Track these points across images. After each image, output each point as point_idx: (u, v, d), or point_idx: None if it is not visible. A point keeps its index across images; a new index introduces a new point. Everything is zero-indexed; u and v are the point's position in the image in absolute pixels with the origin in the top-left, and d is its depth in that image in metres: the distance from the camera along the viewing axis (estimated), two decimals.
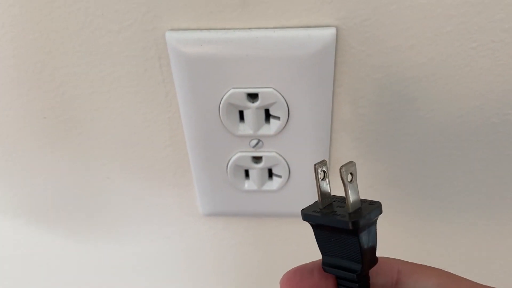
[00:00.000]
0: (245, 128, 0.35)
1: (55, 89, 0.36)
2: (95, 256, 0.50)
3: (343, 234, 0.23)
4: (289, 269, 0.24)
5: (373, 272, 0.24)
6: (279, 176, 0.39)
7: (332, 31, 0.31)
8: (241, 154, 0.37)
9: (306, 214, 0.24)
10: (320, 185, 0.24)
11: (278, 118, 0.35)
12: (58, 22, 0.33)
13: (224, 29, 0.32)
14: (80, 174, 0.42)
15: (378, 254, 0.24)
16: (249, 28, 0.31)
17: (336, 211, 0.23)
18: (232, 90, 0.33)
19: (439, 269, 0.23)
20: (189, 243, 0.47)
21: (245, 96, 0.33)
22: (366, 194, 0.41)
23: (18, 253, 0.51)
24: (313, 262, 0.24)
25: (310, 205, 0.25)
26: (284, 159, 0.37)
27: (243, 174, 0.39)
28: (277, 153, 0.37)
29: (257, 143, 0.36)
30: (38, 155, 0.41)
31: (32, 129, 0.39)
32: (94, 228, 0.47)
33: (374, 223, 0.23)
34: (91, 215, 0.46)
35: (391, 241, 0.44)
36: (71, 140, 0.40)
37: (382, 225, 0.43)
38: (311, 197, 0.40)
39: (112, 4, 0.31)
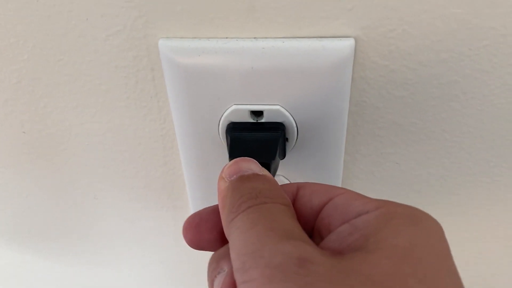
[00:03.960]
0: None
1: (36, 101, 0.32)
2: (82, 279, 0.46)
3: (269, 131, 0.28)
4: None
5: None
6: None
7: (350, 42, 0.27)
8: None
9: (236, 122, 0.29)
10: None
11: (286, 138, 0.30)
12: (37, 26, 0.29)
13: (226, 38, 0.28)
14: (65, 193, 0.38)
15: None
16: (255, 38, 0.27)
17: None
18: (234, 107, 0.29)
19: (335, 186, 0.22)
20: (184, 269, 0.43)
21: (248, 114, 0.29)
22: None
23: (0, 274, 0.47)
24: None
25: None
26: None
27: None
28: (284, 177, 0.33)
29: None
30: (19, 172, 0.37)
31: (10, 144, 0.35)
32: (81, 250, 0.43)
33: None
34: (77, 236, 0.42)
35: None
36: (54, 157, 0.36)
37: None
38: None
39: (98, 8, 0.27)
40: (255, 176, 0.22)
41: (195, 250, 0.41)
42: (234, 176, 0.22)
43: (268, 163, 0.27)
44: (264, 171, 0.22)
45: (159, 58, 0.29)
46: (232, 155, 0.28)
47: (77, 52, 0.30)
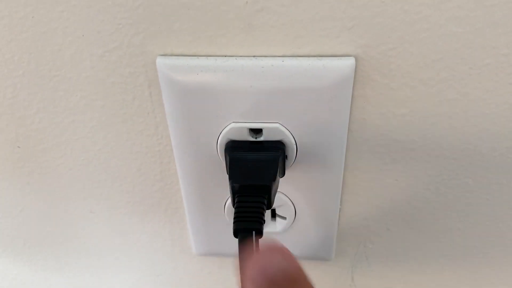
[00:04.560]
0: None
1: (31, 116, 0.32)
2: None
3: (269, 151, 0.28)
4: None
5: None
6: (284, 218, 0.34)
7: (350, 61, 0.26)
8: None
9: (235, 141, 0.29)
10: None
11: (285, 156, 0.30)
12: (32, 42, 0.28)
13: (225, 56, 0.27)
14: (61, 207, 0.38)
15: None
16: (254, 56, 0.27)
17: None
18: (233, 125, 0.29)
19: None
20: (180, 283, 0.43)
21: (247, 131, 0.29)
22: (383, 236, 0.36)
23: None
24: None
25: None
26: (290, 200, 0.33)
27: None
28: (283, 193, 0.32)
29: None
30: (13, 187, 0.36)
31: (5, 159, 0.34)
32: (76, 263, 0.43)
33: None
34: (73, 249, 0.41)
35: (404, 285, 0.40)
36: (50, 171, 0.35)
37: (396, 268, 0.39)
38: (319, 240, 0.35)
39: (95, 24, 0.27)
40: (286, 283, 0.18)
41: (192, 265, 0.41)
42: (259, 280, 0.18)
43: (269, 186, 0.27)
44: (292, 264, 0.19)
45: (156, 75, 0.29)
46: (232, 176, 0.27)
47: (73, 68, 0.29)
